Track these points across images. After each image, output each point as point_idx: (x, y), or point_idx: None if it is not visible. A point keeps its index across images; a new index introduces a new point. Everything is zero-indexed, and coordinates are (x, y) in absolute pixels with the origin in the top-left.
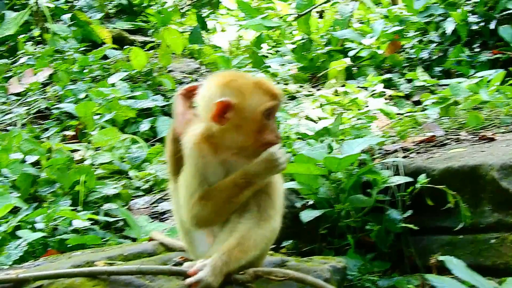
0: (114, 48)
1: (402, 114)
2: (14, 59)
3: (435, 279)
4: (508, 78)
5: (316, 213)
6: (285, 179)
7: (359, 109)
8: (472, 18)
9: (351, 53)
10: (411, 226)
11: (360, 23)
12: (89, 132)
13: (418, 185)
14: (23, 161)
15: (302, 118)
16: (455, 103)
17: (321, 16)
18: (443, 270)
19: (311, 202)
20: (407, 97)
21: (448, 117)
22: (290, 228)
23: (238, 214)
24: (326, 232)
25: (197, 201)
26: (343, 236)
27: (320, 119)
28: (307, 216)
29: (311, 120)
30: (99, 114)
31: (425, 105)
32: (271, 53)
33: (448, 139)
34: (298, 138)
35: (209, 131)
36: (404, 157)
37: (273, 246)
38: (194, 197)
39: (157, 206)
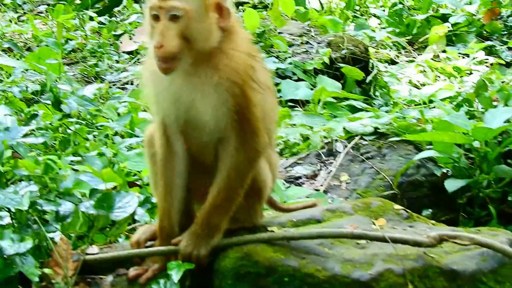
0: None
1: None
2: (122, 18)
3: None
4: None
5: (461, 182)
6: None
7: (461, 76)
8: None
9: (451, 19)
10: None
11: None
12: None
13: None
14: None
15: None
16: None
17: None
18: None
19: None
20: (508, 65)
21: None
22: (429, 196)
23: None
24: (465, 202)
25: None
26: (482, 207)
27: (422, 85)
28: (452, 185)
29: (414, 85)
30: None
31: None
32: (357, 16)
33: None
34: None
35: None
36: None
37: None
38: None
39: (292, 170)
